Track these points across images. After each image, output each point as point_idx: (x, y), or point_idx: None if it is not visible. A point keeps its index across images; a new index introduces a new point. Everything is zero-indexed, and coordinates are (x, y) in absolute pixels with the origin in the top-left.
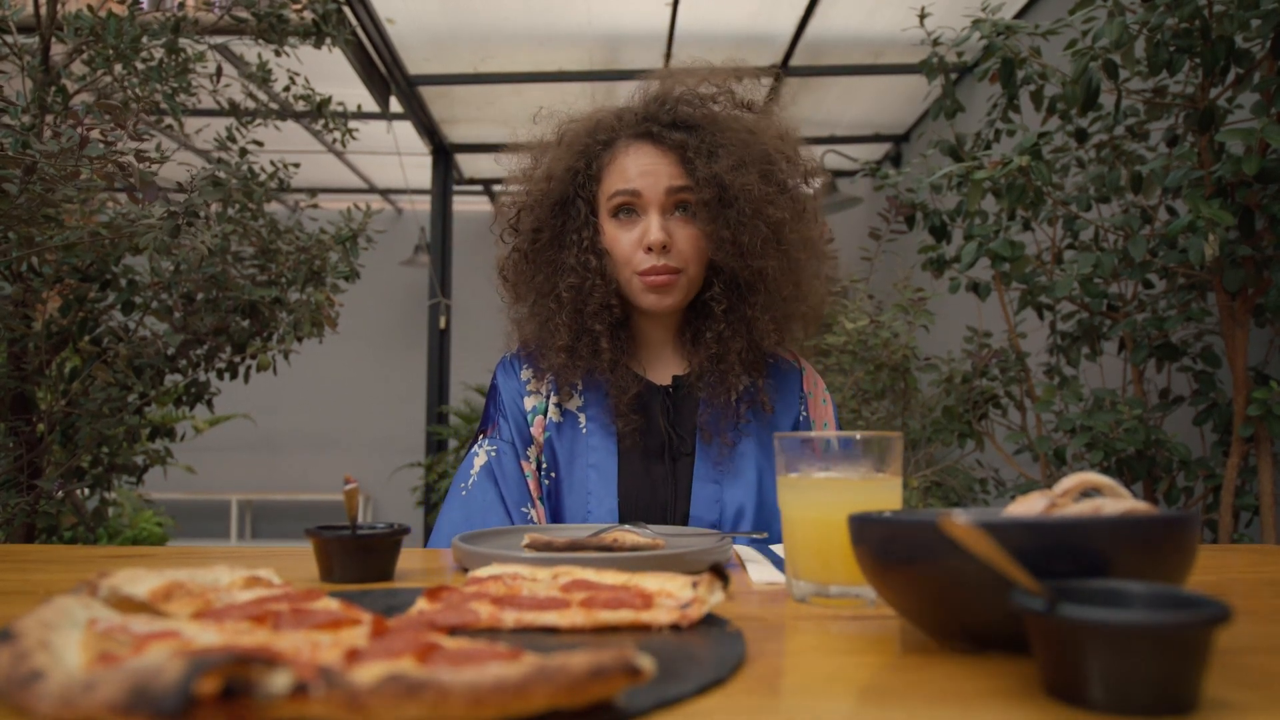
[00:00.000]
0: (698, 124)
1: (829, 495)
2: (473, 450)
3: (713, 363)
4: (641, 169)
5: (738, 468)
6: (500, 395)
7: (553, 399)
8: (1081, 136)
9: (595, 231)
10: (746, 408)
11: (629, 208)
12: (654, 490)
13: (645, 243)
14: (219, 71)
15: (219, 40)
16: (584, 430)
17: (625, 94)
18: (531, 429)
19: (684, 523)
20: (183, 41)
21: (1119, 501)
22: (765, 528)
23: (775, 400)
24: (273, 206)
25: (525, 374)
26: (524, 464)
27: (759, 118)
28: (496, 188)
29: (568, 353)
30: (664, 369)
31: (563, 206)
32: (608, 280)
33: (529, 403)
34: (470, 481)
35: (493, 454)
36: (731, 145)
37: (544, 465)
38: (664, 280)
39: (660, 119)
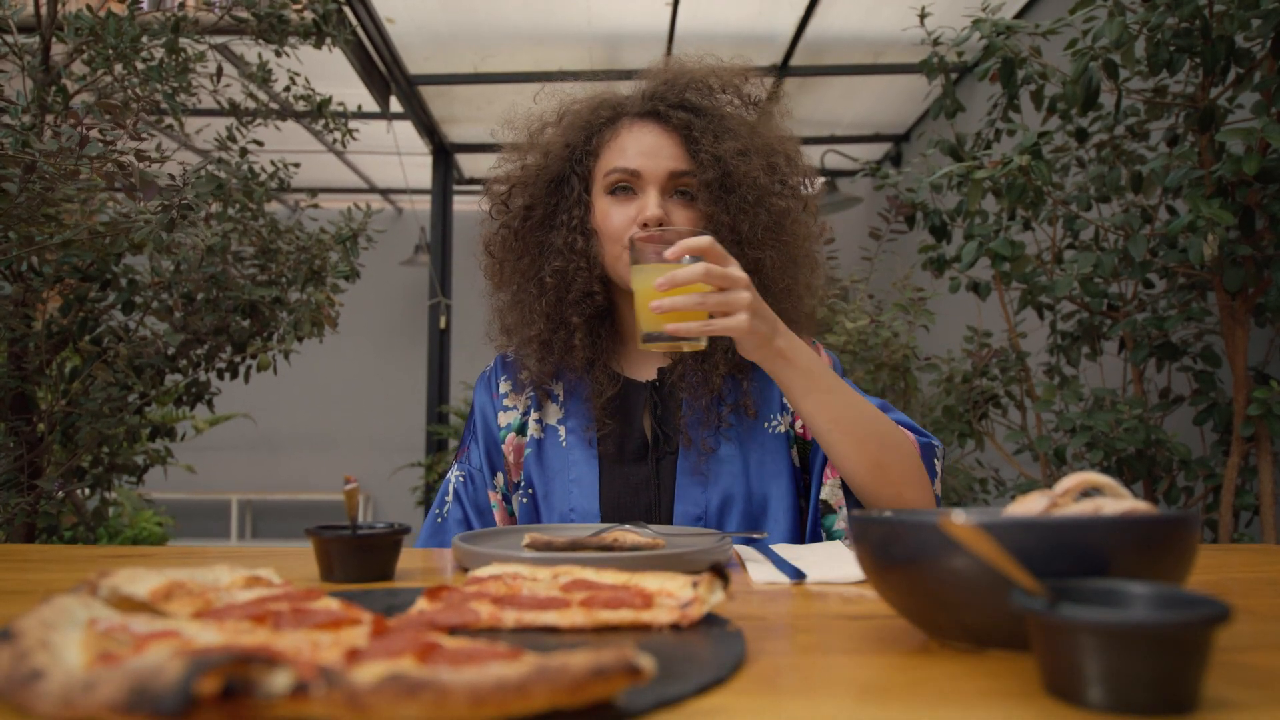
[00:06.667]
0: (704, 109)
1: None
2: (450, 473)
3: (697, 360)
4: (643, 148)
5: (721, 469)
6: (474, 416)
7: (533, 414)
8: (1081, 136)
9: (586, 210)
10: (729, 410)
11: (625, 185)
12: (635, 494)
13: (641, 219)
14: (219, 71)
15: (219, 40)
16: (564, 444)
17: (627, 93)
18: (504, 446)
19: (669, 521)
20: (183, 41)
21: (1119, 501)
22: (755, 523)
23: (759, 403)
24: (273, 206)
25: (504, 387)
26: (490, 493)
27: (762, 117)
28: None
29: (542, 345)
30: (647, 363)
31: (557, 184)
32: (592, 264)
33: (504, 419)
34: (445, 508)
35: (462, 480)
36: (737, 132)
37: (520, 484)
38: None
39: (667, 99)
